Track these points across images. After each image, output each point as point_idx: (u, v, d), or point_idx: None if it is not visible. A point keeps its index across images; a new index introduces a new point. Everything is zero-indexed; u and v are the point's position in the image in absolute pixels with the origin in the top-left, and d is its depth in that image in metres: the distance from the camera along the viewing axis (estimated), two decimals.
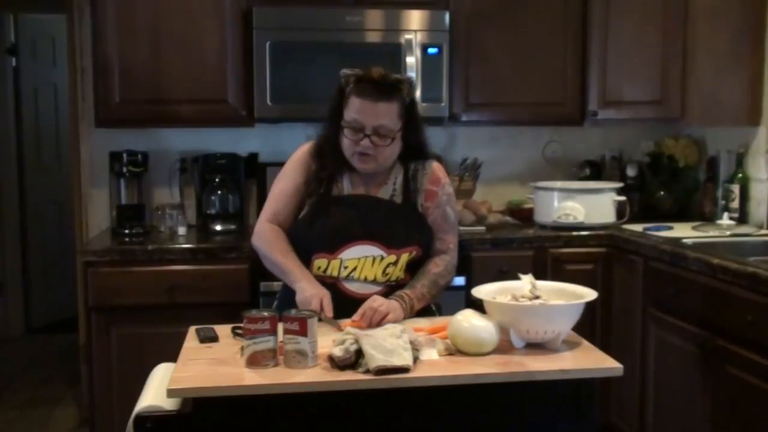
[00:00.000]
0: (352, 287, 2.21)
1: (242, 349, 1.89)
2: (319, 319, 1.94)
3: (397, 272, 2.23)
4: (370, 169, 2.24)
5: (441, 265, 2.28)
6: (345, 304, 2.14)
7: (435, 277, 2.25)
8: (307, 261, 2.24)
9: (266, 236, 2.30)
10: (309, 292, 2.11)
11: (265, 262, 2.31)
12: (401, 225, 2.25)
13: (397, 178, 2.31)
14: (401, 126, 2.22)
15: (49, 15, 5.44)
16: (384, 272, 2.21)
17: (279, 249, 2.26)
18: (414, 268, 2.27)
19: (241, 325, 1.94)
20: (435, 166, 2.35)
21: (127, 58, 3.38)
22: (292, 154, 2.38)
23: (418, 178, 2.31)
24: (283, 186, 2.34)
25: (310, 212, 2.27)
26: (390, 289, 2.22)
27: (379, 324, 2.03)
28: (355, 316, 2.06)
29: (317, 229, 2.23)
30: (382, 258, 2.21)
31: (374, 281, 2.21)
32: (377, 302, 2.09)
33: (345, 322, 2.05)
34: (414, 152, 2.32)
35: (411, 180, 2.30)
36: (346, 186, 2.29)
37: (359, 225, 2.22)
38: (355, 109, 2.18)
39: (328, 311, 2.08)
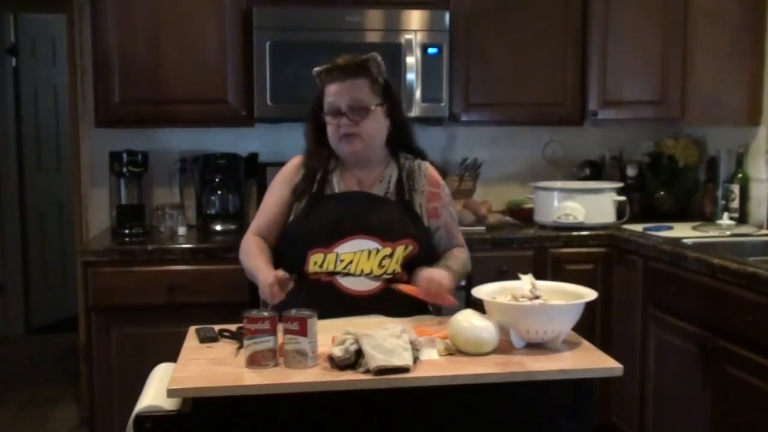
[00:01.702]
0: (349, 284, 2.22)
1: (237, 350, 1.90)
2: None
3: (393, 265, 2.23)
4: (359, 149, 2.25)
5: (465, 254, 2.39)
6: (342, 302, 2.15)
7: (464, 261, 2.35)
8: (303, 258, 2.24)
9: (245, 248, 2.32)
10: (263, 275, 2.08)
11: (246, 273, 2.29)
12: (395, 218, 2.27)
13: (392, 176, 2.33)
14: (379, 102, 2.25)
15: (49, 15, 5.44)
16: (380, 265, 2.22)
17: (252, 255, 2.26)
18: (411, 265, 2.27)
19: (228, 327, 1.95)
20: (431, 168, 2.40)
21: (127, 58, 3.38)
22: (283, 167, 2.40)
23: (415, 179, 2.33)
24: (270, 200, 2.37)
25: (305, 210, 2.28)
26: (387, 283, 2.23)
27: (439, 296, 2.09)
28: (422, 282, 2.11)
29: (312, 224, 2.25)
30: (378, 251, 2.22)
31: (371, 274, 2.22)
32: (438, 274, 2.12)
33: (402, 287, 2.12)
34: (399, 136, 2.34)
35: (405, 180, 2.32)
36: (337, 184, 2.32)
37: (354, 219, 2.24)
38: (328, 95, 2.25)
39: (280, 273, 2.04)
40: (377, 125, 2.27)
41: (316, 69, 2.30)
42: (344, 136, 2.23)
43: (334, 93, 2.23)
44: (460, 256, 2.35)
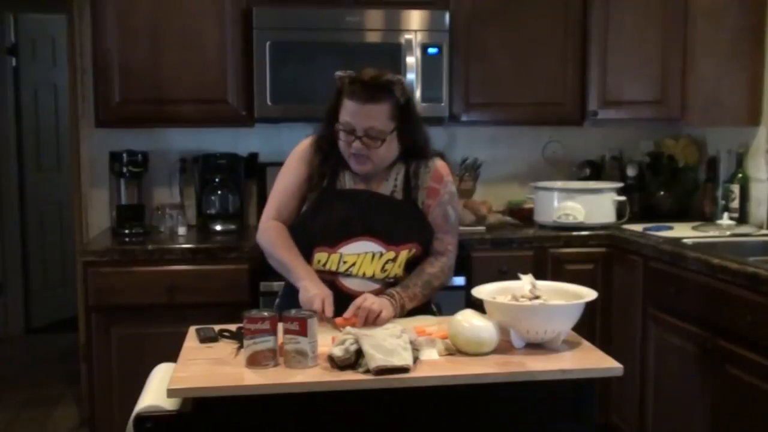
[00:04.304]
0: (351, 284, 2.21)
1: (237, 350, 1.90)
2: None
3: (395, 269, 2.23)
4: (367, 170, 2.24)
5: (437, 265, 2.28)
6: (343, 301, 2.14)
7: (429, 277, 2.25)
8: (308, 254, 2.24)
9: (270, 234, 2.30)
10: (312, 291, 2.11)
11: (270, 260, 2.31)
12: (401, 221, 2.25)
13: (399, 174, 2.31)
14: (394, 127, 2.21)
15: (49, 15, 5.44)
16: (383, 269, 2.22)
17: (283, 246, 2.26)
18: (414, 266, 2.27)
19: (228, 327, 1.95)
20: (439, 163, 2.34)
21: (127, 58, 3.38)
22: (294, 149, 2.38)
23: (420, 176, 2.30)
24: (286, 182, 2.34)
25: (313, 206, 2.27)
26: (388, 286, 2.22)
27: (374, 322, 2.04)
28: (347, 314, 2.06)
29: (319, 222, 2.24)
30: (381, 254, 2.21)
31: (373, 277, 2.21)
32: (369, 301, 2.09)
33: (337, 320, 2.06)
34: (413, 150, 2.31)
35: (412, 177, 2.30)
36: (347, 181, 2.30)
37: (360, 221, 2.22)
38: (346, 111, 2.19)
39: (329, 312, 2.08)
40: (389, 150, 2.23)
41: (339, 73, 2.22)
42: (354, 155, 2.22)
43: (351, 113, 2.17)
44: (426, 271, 2.25)
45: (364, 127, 2.17)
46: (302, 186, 2.31)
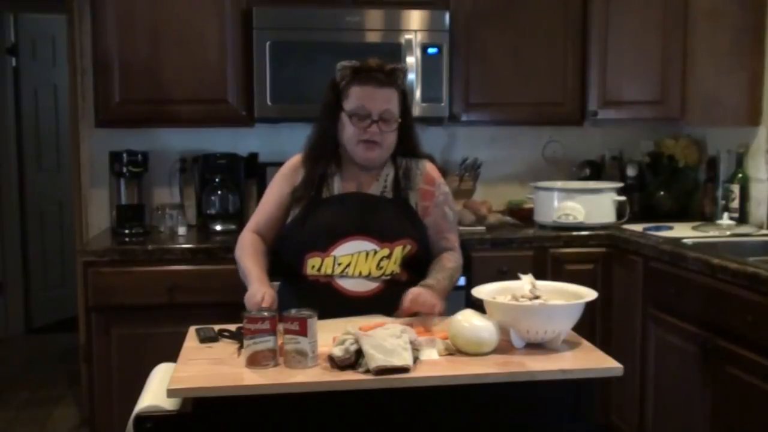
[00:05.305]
0: (347, 285, 2.22)
1: (238, 350, 1.90)
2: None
3: (391, 266, 2.23)
4: (375, 157, 2.26)
5: (453, 260, 2.32)
6: (340, 303, 2.15)
7: (452, 272, 2.28)
8: (300, 261, 2.24)
9: (242, 244, 2.33)
10: (255, 287, 2.09)
11: (239, 269, 2.29)
12: (393, 218, 2.26)
13: (388, 174, 2.33)
14: (400, 114, 2.26)
15: (49, 15, 5.44)
16: (378, 266, 2.22)
17: (248, 254, 2.27)
18: (411, 264, 2.27)
19: (228, 327, 1.95)
20: (429, 166, 2.38)
21: (127, 58, 3.38)
22: (283, 165, 2.39)
23: (411, 177, 2.33)
24: (268, 197, 2.38)
25: (302, 213, 2.28)
26: (386, 284, 2.22)
27: (430, 312, 2.06)
28: (405, 304, 2.07)
29: (309, 228, 2.25)
30: (376, 252, 2.22)
31: (369, 276, 2.22)
32: (423, 290, 2.10)
33: (381, 320, 2.04)
34: (406, 145, 2.33)
35: (402, 178, 2.32)
36: (336, 187, 2.31)
37: (351, 221, 2.23)
38: (358, 96, 2.21)
39: (267, 303, 2.03)
40: (395, 137, 2.27)
41: (344, 63, 2.25)
42: (366, 141, 2.22)
43: (367, 97, 2.20)
44: (447, 266, 2.28)
45: (380, 110, 2.20)
46: (283, 202, 2.33)
